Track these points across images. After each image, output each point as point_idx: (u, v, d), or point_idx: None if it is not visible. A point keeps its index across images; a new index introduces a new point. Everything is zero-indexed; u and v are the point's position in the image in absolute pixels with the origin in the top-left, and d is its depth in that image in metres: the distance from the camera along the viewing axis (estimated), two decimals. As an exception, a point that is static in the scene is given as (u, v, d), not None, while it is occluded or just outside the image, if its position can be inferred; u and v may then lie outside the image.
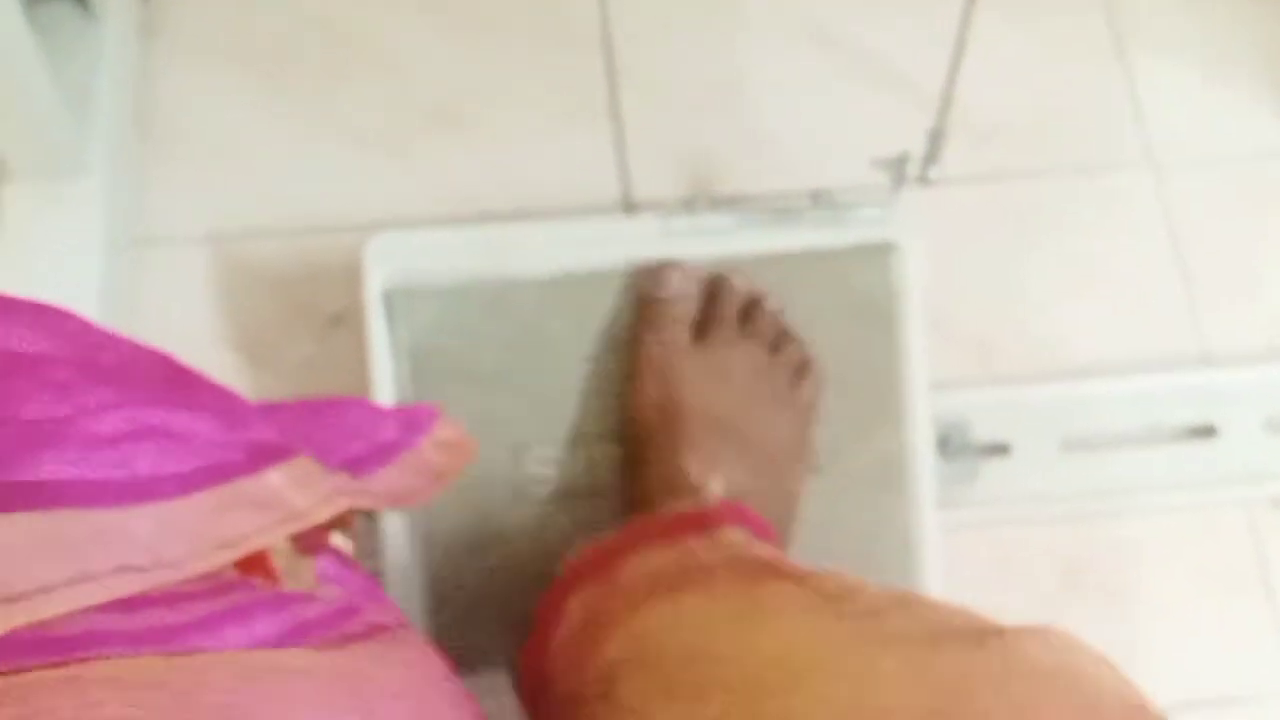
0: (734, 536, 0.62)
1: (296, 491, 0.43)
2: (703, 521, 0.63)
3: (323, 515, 0.44)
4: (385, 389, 0.71)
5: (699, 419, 0.68)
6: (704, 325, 0.72)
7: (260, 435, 0.44)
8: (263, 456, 0.42)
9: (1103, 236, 0.88)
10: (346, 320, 0.81)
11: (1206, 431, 0.82)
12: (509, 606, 0.71)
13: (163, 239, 0.83)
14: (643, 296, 0.72)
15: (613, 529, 0.65)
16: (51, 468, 0.33)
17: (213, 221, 0.83)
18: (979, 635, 0.44)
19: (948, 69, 0.70)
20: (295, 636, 0.38)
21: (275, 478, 0.42)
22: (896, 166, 0.73)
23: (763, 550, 0.61)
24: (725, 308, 0.72)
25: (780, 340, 0.72)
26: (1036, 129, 0.90)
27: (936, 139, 0.72)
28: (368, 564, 0.73)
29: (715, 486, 0.66)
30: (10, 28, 0.68)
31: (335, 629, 0.41)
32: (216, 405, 0.43)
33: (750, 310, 0.72)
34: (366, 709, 0.36)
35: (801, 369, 0.72)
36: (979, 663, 0.42)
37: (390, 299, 0.71)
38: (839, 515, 0.74)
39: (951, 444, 0.79)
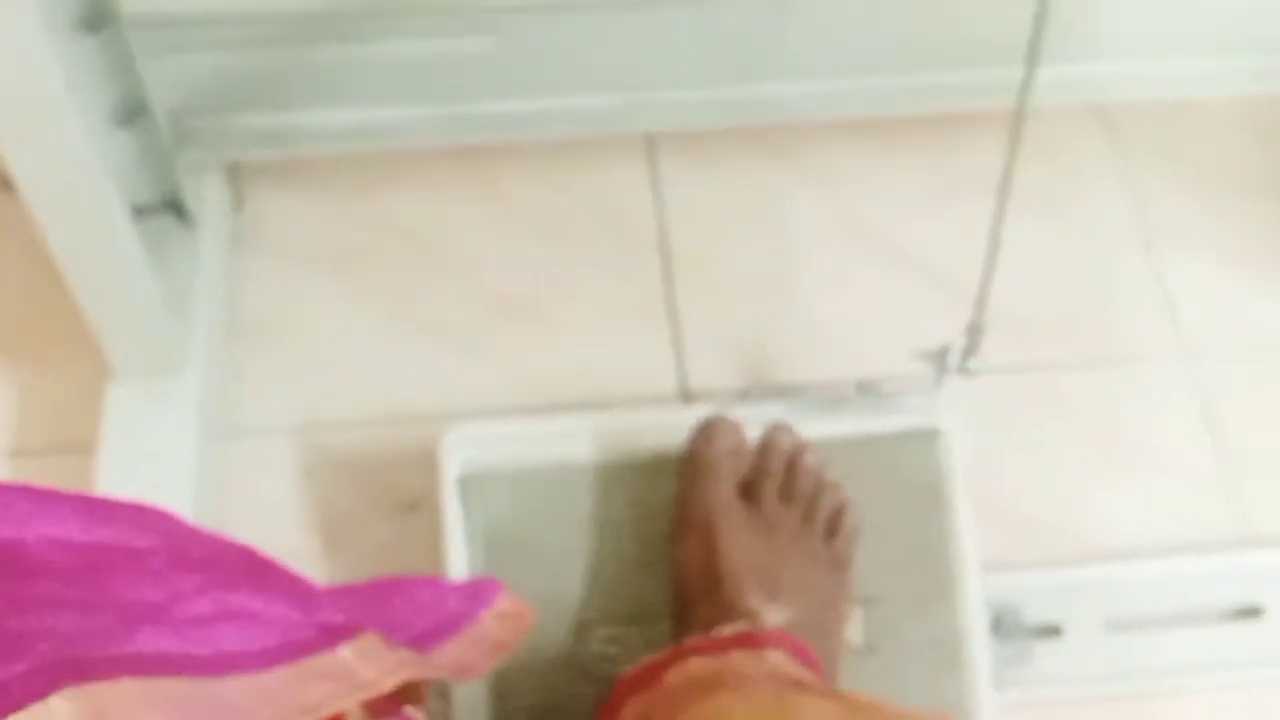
0: (779, 658, 0.64)
1: (364, 664, 0.48)
2: (752, 641, 0.66)
3: (388, 684, 0.48)
4: (459, 568, 0.75)
5: (744, 568, 0.70)
6: (749, 482, 0.75)
7: (331, 616, 0.48)
8: (334, 635, 0.47)
9: (1140, 422, 0.91)
10: (421, 506, 0.85)
11: (1252, 612, 0.83)
12: (577, 785, 0.73)
13: (252, 430, 0.88)
14: (690, 450, 0.76)
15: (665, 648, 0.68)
16: (153, 642, 0.38)
17: (298, 414, 0.89)
18: None
19: (983, 265, 0.75)
20: None
21: (346, 653, 0.47)
22: (938, 358, 0.78)
23: (804, 674, 0.64)
24: (771, 466, 0.75)
25: (817, 492, 0.75)
26: (1070, 320, 0.95)
27: (975, 333, 0.76)
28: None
29: (774, 617, 0.68)
30: (119, 239, 0.75)
31: None
32: (292, 590, 0.48)
33: (793, 465, 0.75)
34: None
35: (836, 520, 0.75)
36: None
37: (465, 485, 0.76)
38: (895, 693, 0.75)
39: (1004, 625, 0.81)
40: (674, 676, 0.65)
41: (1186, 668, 0.82)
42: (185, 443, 0.81)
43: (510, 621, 0.68)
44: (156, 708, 0.36)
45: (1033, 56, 0.67)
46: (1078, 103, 1.02)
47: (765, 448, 0.75)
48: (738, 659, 0.64)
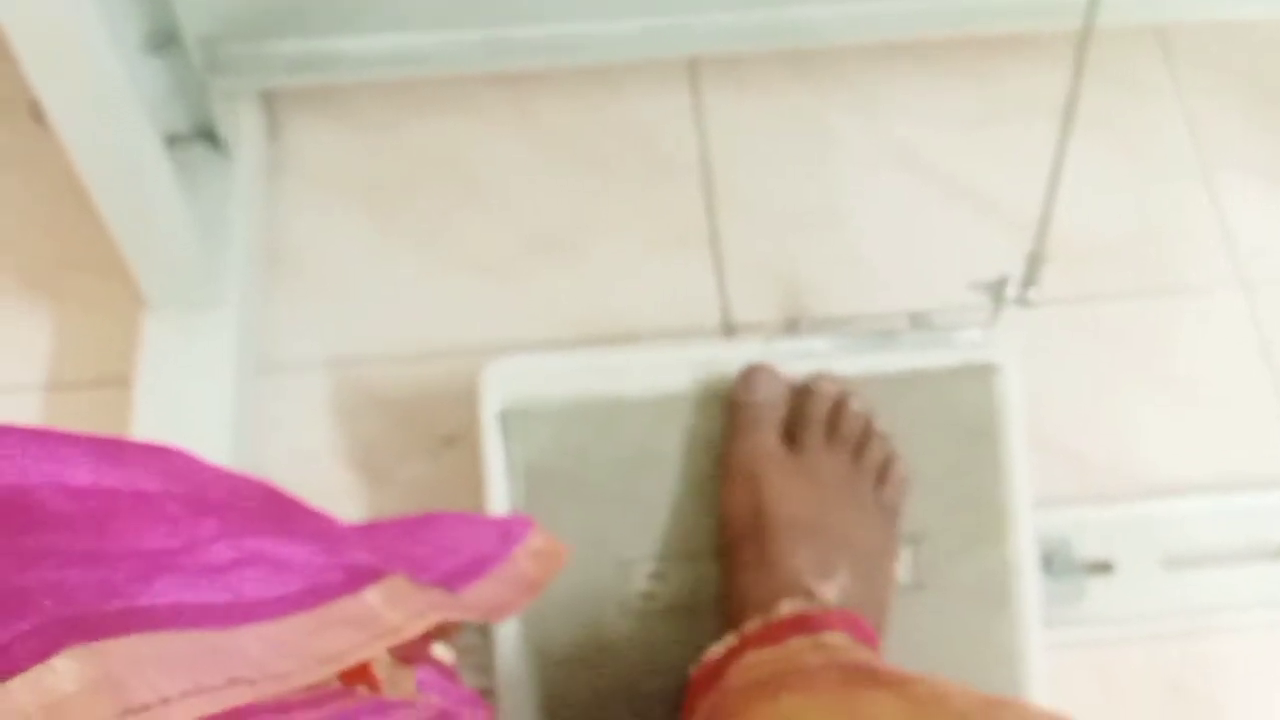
0: (837, 640, 0.63)
1: (391, 609, 0.46)
2: (810, 624, 0.65)
3: (417, 629, 0.47)
4: (500, 506, 0.74)
5: (791, 523, 0.70)
6: (793, 428, 0.74)
7: (356, 557, 0.47)
8: (359, 577, 0.46)
9: (1198, 355, 0.89)
10: (459, 441, 0.84)
11: (1310, 549, 0.82)
12: (619, 717, 0.73)
13: (289, 365, 0.87)
14: (733, 399, 0.75)
15: (727, 635, 0.67)
16: (167, 593, 0.37)
17: (335, 348, 0.87)
18: None
19: (1045, 191, 0.72)
20: None
21: (371, 597, 0.46)
22: (996, 289, 0.75)
23: (863, 655, 0.63)
24: (814, 411, 0.74)
25: (865, 440, 0.74)
26: (1128, 250, 0.92)
27: (1035, 262, 0.74)
28: (481, 679, 0.75)
29: (829, 593, 0.67)
30: (152, 169, 0.73)
31: None
32: (316, 530, 0.47)
33: (838, 411, 0.74)
34: None
35: (884, 470, 0.74)
36: None
37: (506, 419, 0.74)
38: (943, 631, 0.75)
39: (1056, 562, 0.80)
40: (736, 675, 0.63)
41: (1240, 605, 0.81)
42: (222, 376, 0.80)
43: (544, 559, 0.67)
44: (170, 665, 0.34)
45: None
46: (1134, 24, 0.99)
47: (809, 394, 0.74)
48: (796, 647, 0.63)
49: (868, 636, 0.67)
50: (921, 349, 0.77)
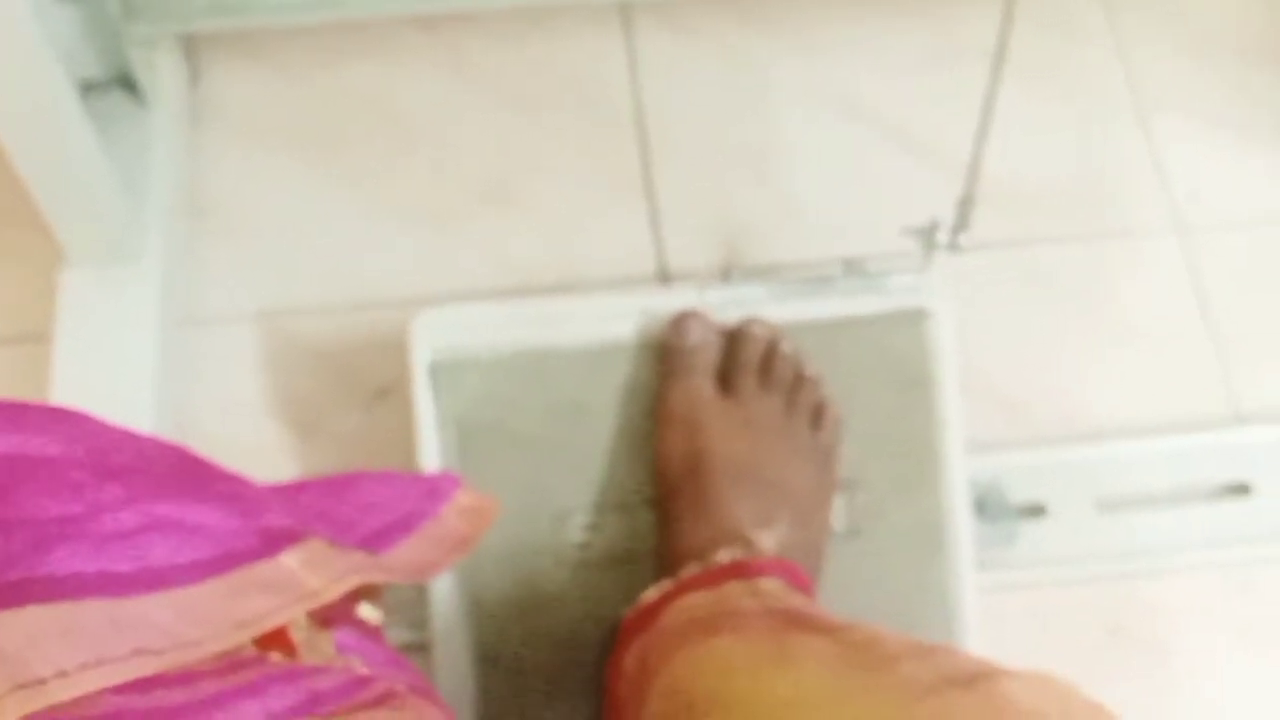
0: (772, 586, 0.64)
1: (310, 572, 0.45)
2: (746, 570, 0.65)
3: (336, 593, 0.46)
4: (431, 459, 0.73)
5: (727, 468, 0.69)
6: (726, 373, 0.73)
7: (274, 521, 0.46)
8: (276, 541, 0.44)
9: (1132, 298, 0.89)
10: (392, 393, 0.83)
11: (1241, 490, 0.82)
12: (555, 672, 0.72)
13: (215, 318, 0.85)
14: (665, 346, 0.74)
15: (663, 581, 0.67)
16: (68, 562, 0.36)
17: (263, 299, 0.86)
18: (972, 679, 0.46)
19: (974, 137, 0.72)
20: (309, 708, 0.40)
21: (289, 560, 0.44)
22: (927, 234, 0.75)
23: (798, 601, 0.63)
24: (746, 355, 0.73)
25: (798, 384, 0.73)
26: (1063, 194, 0.92)
27: (966, 207, 0.74)
28: (416, 634, 0.75)
29: (766, 541, 0.67)
30: (67, 118, 0.71)
31: (349, 699, 0.42)
32: (230, 494, 0.45)
33: (770, 355, 0.73)
34: None
35: (818, 414, 0.73)
36: (963, 703, 0.44)
37: (436, 371, 0.73)
38: (878, 577, 0.75)
39: (989, 506, 0.80)
40: (670, 616, 0.63)
41: (1174, 547, 0.81)
42: (145, 331, 0.78)
43: (473, 516, 0.66)
44: (69, 637, 0.33)
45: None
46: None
47: (740, 338, 0.74)
48: (732, 591, 0.63)
49: (803, 584, 0.67)
50: (854, 295, 0.76)
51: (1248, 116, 0.96)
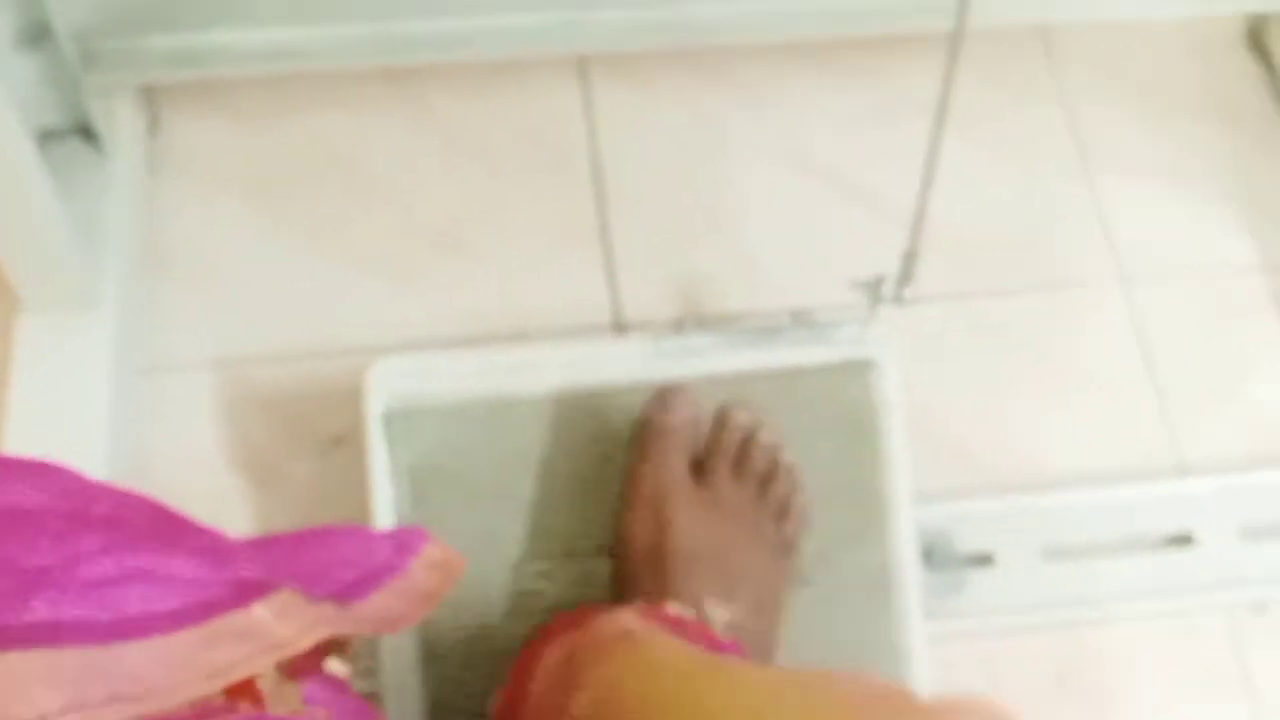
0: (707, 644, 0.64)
1: (281, 622, 0.46)
2: (687, 629, 0.65)
3: (306, 643, 0.47)
4: (385, 507, 0.73)
5: (690, 550, 0.69)
6: (702, 457, 0.73)
7: (245, 572, 0.47)
8: (248, 592, 0.45)
9: (1076, 349, 0.91)
10: (348, 441, 0.83)
11: (1184, 540, 0.84)
12: (506, 721, 0.73)
13: (171, 366, 0.85)
14: (645, 419, 0.74)
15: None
16: (47, 610, 0.37)
17: (219, 348, 0.86)
18: (907, 708, 0.47)
19: (919, 191, 0.73)
20: None
21: (260, 611, 0.45)
22: (873, 287, 0.76)
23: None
24: (725, 442, 0.73)
25: (771, 473, 0.73)
26: (1008, 246, 0.94)
27: (910, 260, 0.75)
28: (367, 683, 0.75)
29: (718, 615, 0.67)
30: (24, 166, 0.72)
31: None
32: (203, 546, 0.46)
33: (747, 445, 0.74)
34: None
35: (787, 505, 0.74)
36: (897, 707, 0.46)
37: (390, 420, 0.74)
38: (827, 625, 0.76)
39: (936, 555, 0.81)
40: (607, 624, 0.64)
41: (1118, 595, 0.83)
42: (100, 379, 0.78)
43: (440, 571, 0.67)
44: (50, 681, 0.34)
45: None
46: (1018, 23, 1.01)
47: (721, 423, 0.74)
48: (669, 625, 0.64)
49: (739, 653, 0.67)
50: (802, 345, 0.78)
51: (1188, 170, 0.98)
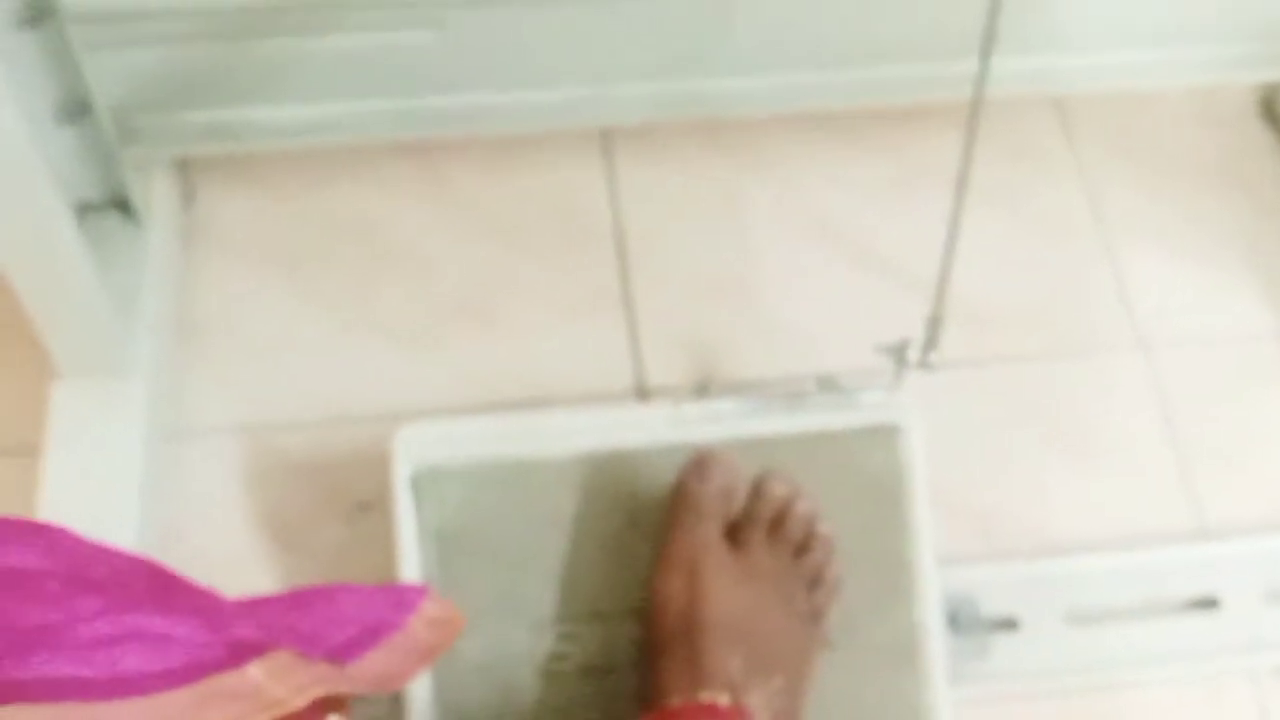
0: None
1: (275, 682, 0.47)
2: (720, 714, 0.65)
3: (300, 702, 0.47)
4: (412, 570, 0.74)
5: (724, 626, 0.69)
6: (737, 525, 0.74)
7: (241, 633, 0.48)
8: (242, 652, 0.46)
9: (1097, 415, 0.91)
10: (374, 507, 0.84)
11: (1208, 603, 0.84)
12: (533, 785, 0.73)
13: (201, 431, 0.87)
14: (680, 485, 0.74)
15: (633, 715, 0.67)
16: (45, 667, 0.38)
17: (249, 414, 0.87)
18: None
19: (941, 258, 0.75)
20: None
21: (254, 671, 0.46)
22: (898, 352, 0.77)
23: None
24: (761, 511, 0.73)
25: (806, 545, 0.73)
26: (1029, 313, 0.95)
27: (934, 326, 0.76)
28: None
29: (754, 700, 0.67)
30: (63, 238, 0.73)
31: None
32: (199, 607, 0.47)
33: (783, 515, 0.74)
34: None
35: (819, 577, 0.74)
36: None
37: (417, 484, 0.75)
38: (853, 690, 0.76)
39: (961, 619, 0.81)
40: None
41: (1144, 659, 0.82)
42: (133, 444, 0.79)
43: (440, 627, 0.67)
44: None
45: (986, 47, 0.67)
46: (1033, 95, 1.03)
47: (757, 492, 0.74)
48: None
49: None
50: (827, 411, 0.78)
51: (1203, 237, 0.99)
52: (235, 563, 0.82)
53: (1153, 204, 1.00)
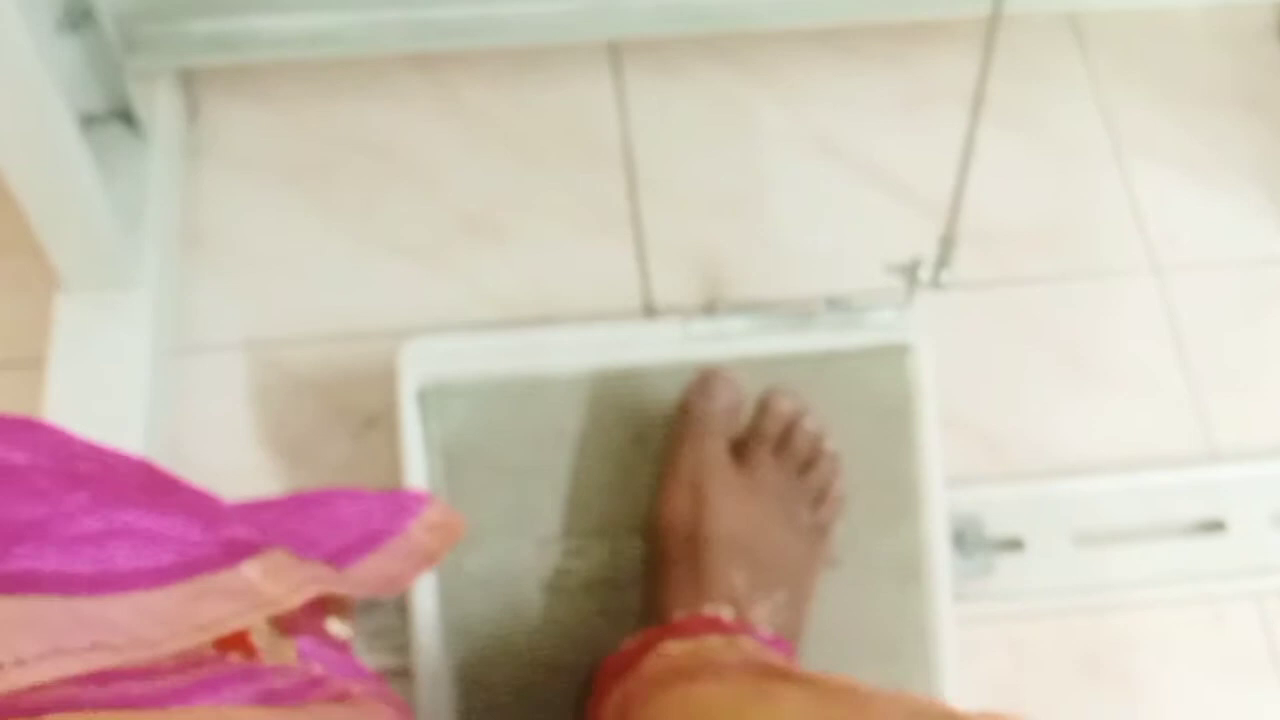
0: (750, 645, 0.64)
1: (269, 581, 0.46)
2: (727, 628, 0.65)
3: (295, 601, 0.47)
4: (419, 484, 0.74)
5: (728, 542, 0.69)
6: (743, 441, 0.73)
7: (237, 533, 0.47)
8: (237, 551, 0.46)
9: (1109, 336, 0.91)
10: (381, 422, 0.84)
11: (1215, 526, 0.84)
12: (536, 694, 0.73)
13: (207, 345, 0.86)
14: (686, 402, 0.74)
15: (638, 628, 0.68)
16: (28, 561, 0.37)
17: (254, 328, 0.87)
18: (941, 715, 0.47)
19: (955, 177, 0.74)
20: (263, 701, 0.41)
21: (249, 570, 0.46)
22: (909, 272, 0.77)
23: (775, 657, 0.64)
24: (767, 428, 0.73)
25: (811, 462, 0.73)
26: (1041, 233, 0.94)
27: (947, 245, 0.75)
28: (397, 659, 0.76)
29: (758, 613, 0.67)
30: (66, 149, 0.73)
31: (302, 697, 0.44)
32: (195, 506, 0.47)
33: (789, 431, 0.73)
34: None
35: (824, 494, 0.74)
36: None
37: (424, 398, 0.75)
38: (857, 608, 0.76)
39: (966, 539, 0.81)
40: (650, 663, 0.64)
41: (1149, 581, 0.83)
42: (138, 358, 0.79)
43: (441, 532, 0.67)
44: (28, 627, 0.34)
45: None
46: (1049, 12, 1.01)
47: (764, 408, 0.74)
48: (712, 643, 0.64)
49: (786, 649, 0.68)
50: (836, 330, 0.78)
51: (1218, 159, 0.98)
52: (240, 477, 0.83)
53: (1168, 126, 0.99)
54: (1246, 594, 0.83)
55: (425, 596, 0.73)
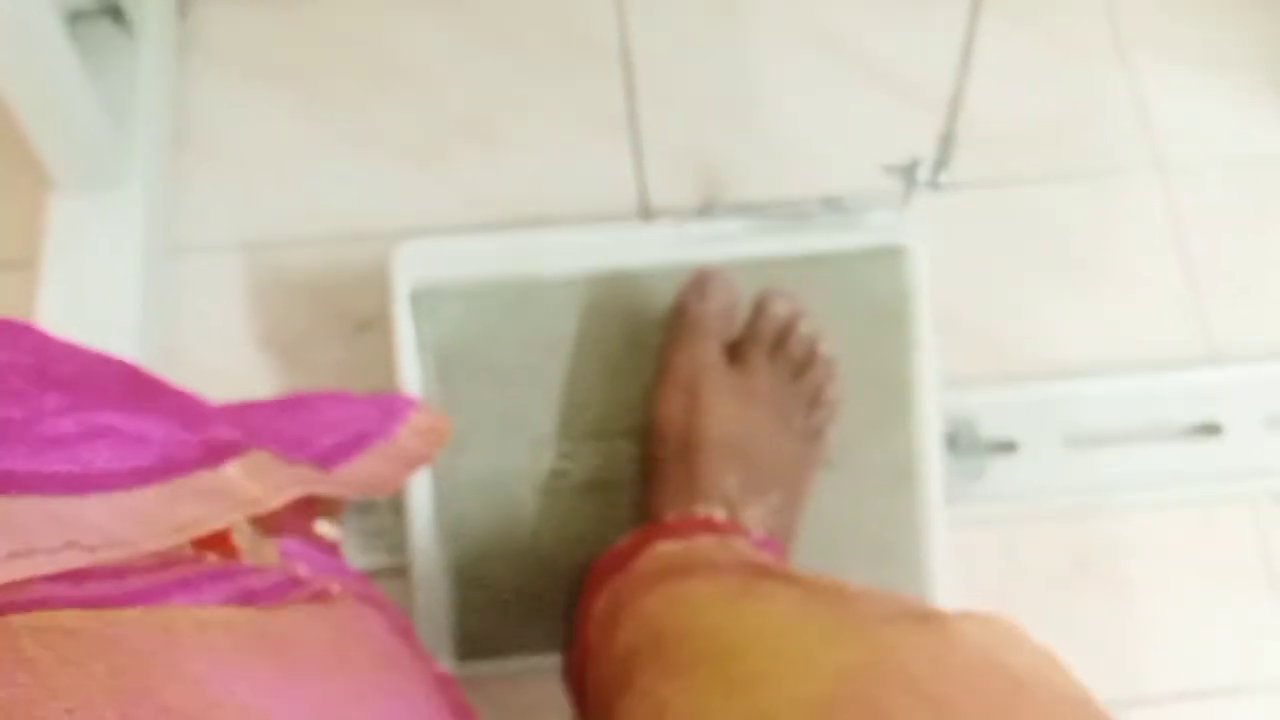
0: (742, 545, 0.64)
1: (250, 481, 0.46)
2: (720, 529, 0.66)
3: (277, 501, 0.47)
4: (412, 386, 0.74)
5: (723, 443, 0.69)
6: (738, 343, 0.73)
7: (220, 434, 0.47)
8: (220, 452, 0.45)
9: (1109, 237, 0.90)
10: (375, 324, 0.84)
11: (1211, 429, 0.83)
12: (531, 592, 0.74)
13: (200, 247, 0.86)
14: (680, 303, 0.74)
15: (632, 528, 0.68)
16: (3, 461, 0.36)
17: (247, 230, 0.87)
18: (926, 615, 0.47)
19: (955, 75, 0.72)
20: (239, 600, 0.41)
21: (229, 470, 0.45)
22: (907, 172, 0.76)
23: (766, 557, 0.64)
24: (763, 329, 0.73)
25: (807, 364, 0.73)
26: (1043, 132, 0.93)
27: (947, 144, 0.74)
28: (393, 557, 0.76)
29: (749, 518, 0.68)
30: (53, 45, 0.72)
31: (280, 597, 0.43)
32: (176, 407, 0.46)
33: (785, 333, 0.73)
34: (279, 659, 0.38)
35: (818, 396, 0.74)
36: (916, 633, 0.46)
37: (417, 300, 0.74)
38: (851, 509, 0.76)
39: (960, 441, 0.81)
40: (643, 562, 0.64)
41: (1142, 483, 0.83)
42: (130, 257, 0.79)
43: (429, 436, 0.67)
44: (2, 527, 0.34)
45: None
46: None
47: (760, 310, 0.73)
48: (704, 543, 0.64)
49: (776, 551, 0.68)
50: (833, 231, 0.77)
51: (1228, 58, 0.96)
52: (233, 380, 0.83)
53: (1173, 22, 0.97)
54: (1240, 496, 0.84)
55: (420, 497, 0.74)
